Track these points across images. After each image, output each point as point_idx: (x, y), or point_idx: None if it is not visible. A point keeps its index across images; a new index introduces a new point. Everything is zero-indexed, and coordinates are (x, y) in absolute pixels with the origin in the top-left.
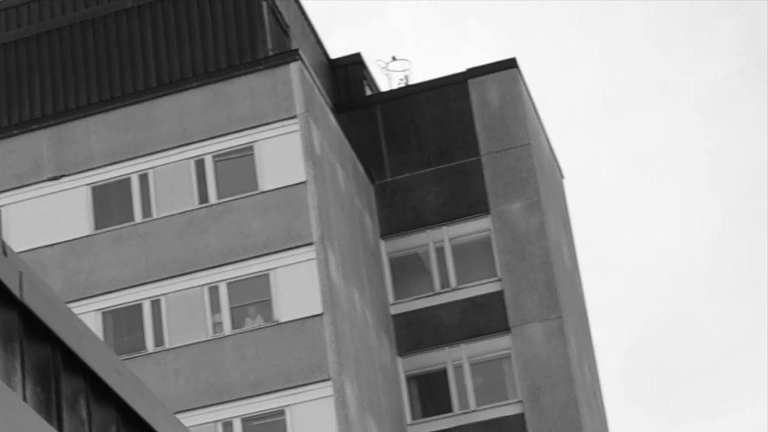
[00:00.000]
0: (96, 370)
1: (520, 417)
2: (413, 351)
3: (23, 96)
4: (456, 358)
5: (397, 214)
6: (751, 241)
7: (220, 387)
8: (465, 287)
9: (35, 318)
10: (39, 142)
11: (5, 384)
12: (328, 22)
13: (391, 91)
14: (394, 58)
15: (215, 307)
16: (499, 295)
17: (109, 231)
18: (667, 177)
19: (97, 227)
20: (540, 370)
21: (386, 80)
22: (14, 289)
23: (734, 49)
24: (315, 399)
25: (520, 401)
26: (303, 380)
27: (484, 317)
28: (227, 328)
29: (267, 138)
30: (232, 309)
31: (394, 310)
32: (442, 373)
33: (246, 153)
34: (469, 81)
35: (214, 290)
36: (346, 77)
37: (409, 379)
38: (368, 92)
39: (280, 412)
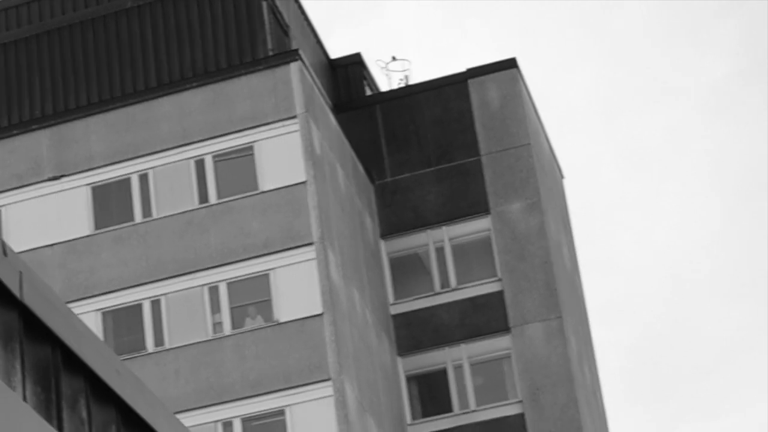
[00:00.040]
0: (96, 370)
1: (520, 417)
2: (413, 351)
3: (23, 96)
4: (456, 358)
5: (397, 214)
6: (751, 241)
7: (220, 387)
8: (465, 287)
9: (35, 318)
10: (39, 142)
11: (5, 384)
12: (328, 22)
13: (391, 91)
14: (394, 58)
15: (215, 307)
16: (499, 295)
17: (109, 231)
18: (667, 177)
19: (97, 227)
20: (540, 370)
21: (386, 80)
22: (14, 289)
23: (734, 49)
24: (315, 399)
25: (520, 401)
26: (303, 380)
27: (484, 317)
28: (227, 328)
29: (267, 138)
30: (232, 309)
31: (394, 310)
32: (442, 373)
33: (246, 153)
34: (469, 81)
35: (214, 290)
36: (346, 77)
37: (409, 379)
38: (368, 92)
39: (280, 412)
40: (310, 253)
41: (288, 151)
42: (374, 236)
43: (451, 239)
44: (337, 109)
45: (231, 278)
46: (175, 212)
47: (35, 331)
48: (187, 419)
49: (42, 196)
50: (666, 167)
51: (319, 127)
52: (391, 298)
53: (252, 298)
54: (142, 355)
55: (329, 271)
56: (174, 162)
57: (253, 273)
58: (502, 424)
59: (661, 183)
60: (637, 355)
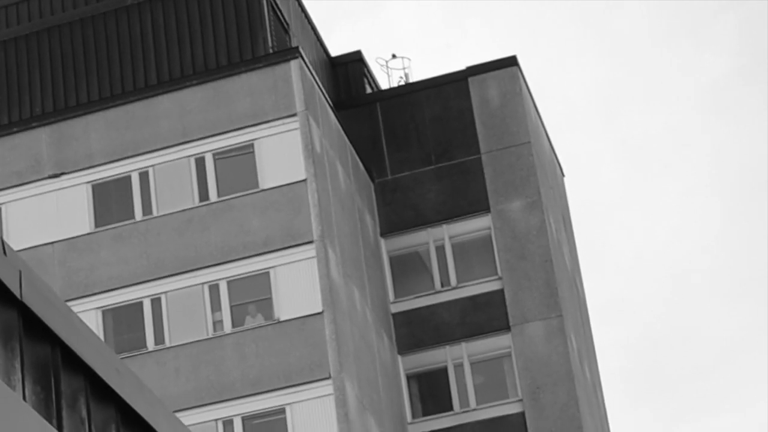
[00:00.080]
0: (96, 369)
1: (521, 416)
2: (413, 349)
3: (23, 93)
4: (456, 357)
5: (398, 213)
6: (751, 241)
7: (221, 385)
8: (465, 286)
9: (35, 317)
10: (39, 139)
11: (5, 383)
12: (329, 19)
13: (392, 89)
14: (394, 56)
15: (215, 306)
16: (500, 293)
17: (109, 229)
18: (667, 175)
19: (97, 225)
20: (540, 369)
21: (386, 78)
22: (14, 288)
23: (734, 48)
24: (315, 397)
25: (521, 400)
26: (303, 378)
27: (485, 316)
28: (227, 326)
29: (267, 136)
30: (232, 307)
31: (395, 308)
32: (443, 372)
33: (246, 151)
34: (470, 79)
35: (214, 288)
36: (346, 75)
37: (410, 377)
38: (368, 90)
39: (281, 411)
40: (310, 251)
41: (288, 148)
42: (374, 234)
43: (451, 237)
44: (338, 106)
45: (231, 276)
46: (176, 210)
47: (35, 330)
48: (188, 418)
49: (42, 193)
50: (666, 166)
51: (319, 125)
52: (391, 297)
53: (252, 297)
54: (143, 354)
55: (329, 270)
56: (174, 160)
57: (253, 271)
58: (502, 423)
59: (661, 182)
60: (637, 354)
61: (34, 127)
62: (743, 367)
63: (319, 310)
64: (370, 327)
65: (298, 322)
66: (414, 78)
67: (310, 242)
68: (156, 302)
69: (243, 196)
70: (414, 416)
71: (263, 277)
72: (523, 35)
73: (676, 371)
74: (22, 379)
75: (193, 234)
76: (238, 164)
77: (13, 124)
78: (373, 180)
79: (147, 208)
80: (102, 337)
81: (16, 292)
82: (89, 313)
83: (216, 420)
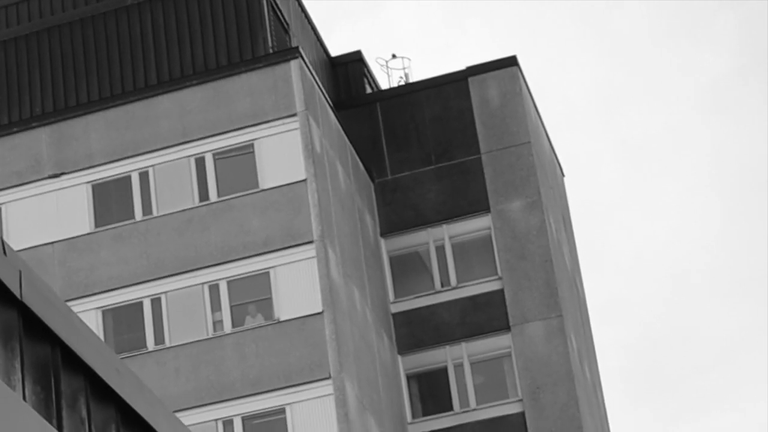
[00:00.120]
0: (96, 369)
1: (521, 416)
2: (413, 349)
3: (23, 93)
4: (456, 357)
5: (398, 213)
6: (751, 241)
7: (221, 385)
8: (465, 286)
9: (35, 317)
10: (39, 139)
11: (5, 383)
12: (329, 19)
13: (392, 89)
14: (394, 56)
15: (215, 306)
16: (500, 293)
17: (109, 229)
18: (667, 175)
19: (97, 225)
20: (540, 369)
21: (386, 78)
22: (14, 288)
23: (734, 47)
24: (315, 397)
25: (521, 400)
26: (303, 378)
27: (485, 316)
28: (227, 326)
29: (267, 136)
30: (232, 307)
31: (395, 308)
32: (443, 372)
33: (246, 151)
34: (470, 79)
35: (214, 288)
36: (346, 75)
37: (410, 377)
38: (368, 90)
39: (281, 411)
40: (310, 251)
41: (288, 148)
42: (374, 234)
43: (451, 237)
44: (338, 106)
45: (231, 276)
46: (176, 210)
47: (35, 330)
48: (188, 418)
49: (42, 193)
50: (666, 165)
51: (319, 125)
52: (391, 297)
53: (252, 297)
54: (143, 354)
55: (329, 270)
56: (174, 160)
57: (253, 271)
58: (502, 423)
59: (661, 181)
60: (637, 354)
61: (34, 127)
62: (743, 367)
63: (319, 310)
64: (370, 327)
65: (298, 322)
66: (414, 78)
67: (310, 242)
68: (156, 302)
69: (243, 196)
70: (414, 416)
71: (263, 277)
72: (523, 35)
73: (675, 371)
74: (22, 379)
75: (193, 234)
76: (238, 164)
77: (13, 124)
78: (373, 180)
79: (147, 208)
80: (102, 337)
81: (16, 292)
82: (89, 313)
83: (216, 420)
